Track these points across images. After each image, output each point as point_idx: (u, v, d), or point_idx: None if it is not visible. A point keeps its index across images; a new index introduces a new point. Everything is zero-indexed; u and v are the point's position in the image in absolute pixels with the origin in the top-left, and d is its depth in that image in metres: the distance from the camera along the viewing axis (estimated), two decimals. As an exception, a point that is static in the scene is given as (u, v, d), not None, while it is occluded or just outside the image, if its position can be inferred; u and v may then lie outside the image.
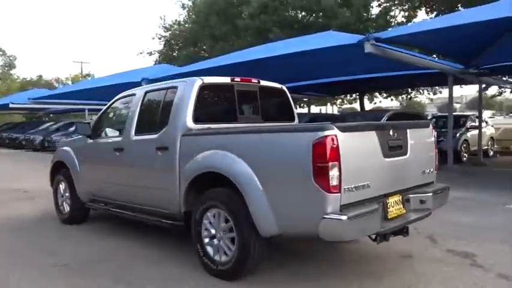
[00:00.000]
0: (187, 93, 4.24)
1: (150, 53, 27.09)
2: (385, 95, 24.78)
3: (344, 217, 2.92)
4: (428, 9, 19.33)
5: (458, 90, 36.10)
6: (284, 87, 5.13)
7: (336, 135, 2.98)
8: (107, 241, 5.00)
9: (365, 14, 19.77)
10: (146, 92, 4.84)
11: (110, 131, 5.45)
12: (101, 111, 5.55)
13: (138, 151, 4.67)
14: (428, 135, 4.08)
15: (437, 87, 23.00)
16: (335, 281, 3.63)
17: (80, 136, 5.88)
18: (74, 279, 3.83)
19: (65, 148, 6.01)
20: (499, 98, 29.82)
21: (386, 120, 9.68)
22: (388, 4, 20.18)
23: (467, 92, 56.43)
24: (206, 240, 3.84)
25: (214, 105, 4.62)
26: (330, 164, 2.95)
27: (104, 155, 5.22)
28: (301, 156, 3.07)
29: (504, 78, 15.12)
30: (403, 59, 9.60)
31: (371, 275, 3.77)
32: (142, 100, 4.82)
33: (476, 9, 9.38)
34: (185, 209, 4.07)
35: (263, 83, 4.87)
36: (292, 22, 20.60)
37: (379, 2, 20.33)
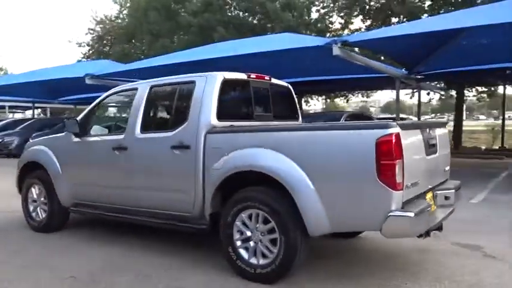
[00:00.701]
0: (210, 88, 4.02)
1: (80, 44, 25.52)
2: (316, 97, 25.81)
3: (411, 214, 2.95)
4: (363, 19, 20.46)
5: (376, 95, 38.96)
6: (289, 86, 5.08)
7: (399, 133, 3.01)
8: (105, 249, 4.58)
9: (306, 18, 20.34)
10: (152, 87, 4.50)
11: (101, 129, 5.02)
12: (90, 107, 5.06)
13: (148, 150, 4.32)
14: (445, 134, 4.28)
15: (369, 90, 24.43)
16: (372, 277, 3.65)
17: (60, 134, 5.36)
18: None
19: (40, 148, 5.41)
20: (410, 101, 32.24)
21: (344, 120, 10.02)
22: (326, 10, 21.00)
23: (380, 97, 60.65)
24: (239, 243, 3.66)
25: (233, 102, 4.43)
26: (396, 161, 2.96)
27: (97, 155, 4.79)
28: (363, 154, 3.04)
29: (438, 85, 16.46)
30: (364, 63, 10.01)
31: (397, 268, 3.86)
32: (148, 95, 4.48)
33: (424, 20, 10.15)
34: (212, 211, 3.85)
35: (273, 80, 4.78)
36: (237, 23, 20.57)
37: (317, 8, 21.10)
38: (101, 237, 5.03)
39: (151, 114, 4.51)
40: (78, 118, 4.98)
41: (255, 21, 21.03)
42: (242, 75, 4.39)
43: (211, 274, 3.76)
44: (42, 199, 5.34)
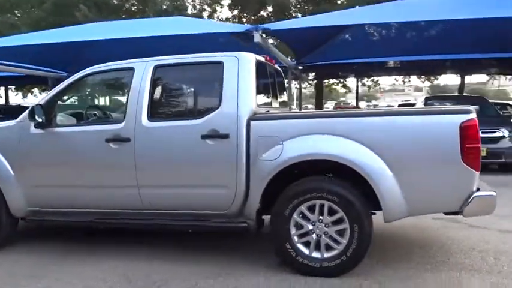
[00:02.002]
0: (246, 70, 3.60)
1: None
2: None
3: (494, 193, 3.16)
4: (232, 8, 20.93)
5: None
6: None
7: (476, 118, 3.18)
8: (124, 262, 3.74)
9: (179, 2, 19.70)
10: (157, 67, 3.80)
11: (68, 118, 4.05)
12: (56, 91, 4.00)
13: (164, 141, 3.65)
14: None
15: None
16: (419, 257, 3.79)
17: (2, 124, 4.16)
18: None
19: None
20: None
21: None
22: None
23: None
24: (296, 238, 3.41)
25: (261, 87, 4.03)
26: (479, 144, 3.13)
27: (77, 149, 3.85)
28: (446, 138, 3.13)
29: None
30: (272, 51, 10.21)
31: (435, 242, 4.10)
32: (153, 77, 3.77)
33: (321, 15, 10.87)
34: (259, 207, 3.48)
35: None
36: (101, 1, 18.70)
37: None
38: (103, 249, 4.12)
39: (161, 100, 3.81)
40: (45, 104, 3.91)
41: (126, 5, 19.50)
42: (262, 58, 4.04)
43: (267, 274, 3.42)
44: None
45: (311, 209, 3.37)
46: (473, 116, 3.14)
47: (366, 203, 3.29)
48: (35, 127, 3.92)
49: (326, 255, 3.36)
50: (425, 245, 4.13)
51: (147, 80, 3.75)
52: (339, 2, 18.00)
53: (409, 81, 27.49)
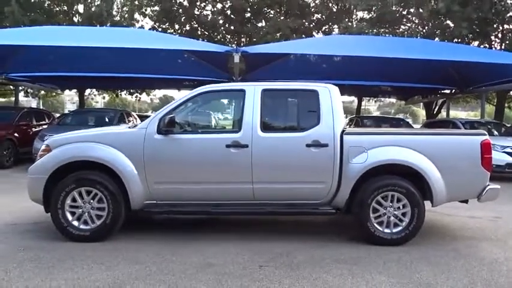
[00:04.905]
0: (335, 98, 4.96)
1: None
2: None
3: (499, 186, 4.95)
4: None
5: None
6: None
7: (488, 138, 4.95)
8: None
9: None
10: (264, 90, 4.92)
11: (179, 126, 4.90)
12: (176, 104, 4.84)
13: (276, 148, 4.77)
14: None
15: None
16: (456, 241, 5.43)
17: (124, 130, 4.89)
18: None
19: (96, 145, 4.72)
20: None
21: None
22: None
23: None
24: (373, 219, 4.81)
25: None
26: (491, 155, 4.91)
27: (200, 152, 4.76)
28: (473, 150, 4.84)
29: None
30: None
31: (452, 234, 5.79)
32: (262, 98, 4.87)
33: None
34: (347, 198, 4.81)
35: None
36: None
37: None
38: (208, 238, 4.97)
39: (270, 116, 4.93)
40: (167, 115, 4.74)
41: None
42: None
43: (343, 248, 4.72)
44: (95, 204, 4.69)
45: (384, 198, 4.82)
46: (487, 137, 4.92)
47: (421, 194, 4.85)
48: (159, 133, 4.72)
49: (394, 230, 4.83)
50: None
51: (258, 100, 4.87)
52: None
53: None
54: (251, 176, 4.76)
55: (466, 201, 5.23)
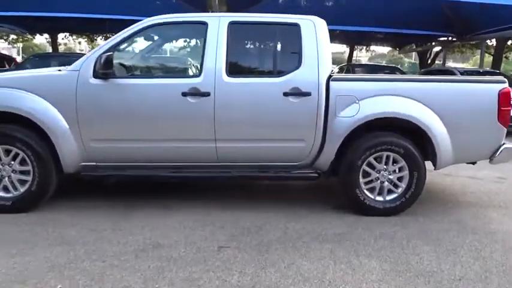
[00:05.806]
0: (322, 34, 3.92)
1: None
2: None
3: (512, 145, 4.08)
4: None
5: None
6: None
7: (508, 87, 4.02)
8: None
9: None
10: (231, 23, 3.85)
11: (121, 69, 3.89)
12: (117, 40, 3.76)
13: (246, 97, 3.77)
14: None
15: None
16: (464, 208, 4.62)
17: (51, 72, 3.84)
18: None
19: (15, 92, 3.67)
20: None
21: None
22: None
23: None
24: (363, 185, 3.95)
25: None
26: (510, 107, 3.99)
27: (146, 102, 3.74)
28: (489, 102, 3.91)
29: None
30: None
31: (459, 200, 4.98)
32: (229, 33, 3.81)
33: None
34: (333, 158, 3.91)
35: None
36: None
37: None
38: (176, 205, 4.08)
39: (238, 57, 3.87)
40: (105, 53, 3.67)
41: None
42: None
43: (325, 221, 3.86)
44: (17, 167, 3.74)
45: (377, 160, 3.93)
46: (506, 85, 3.98)
47: (422, 155, 3.96)
48: (95, 77, 3.69)
49: (388, 198, 3.98)
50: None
51: (223, 36, 3.80)
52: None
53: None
54: (213, 132, 3.79)
55: (473, 163, 4.37)
